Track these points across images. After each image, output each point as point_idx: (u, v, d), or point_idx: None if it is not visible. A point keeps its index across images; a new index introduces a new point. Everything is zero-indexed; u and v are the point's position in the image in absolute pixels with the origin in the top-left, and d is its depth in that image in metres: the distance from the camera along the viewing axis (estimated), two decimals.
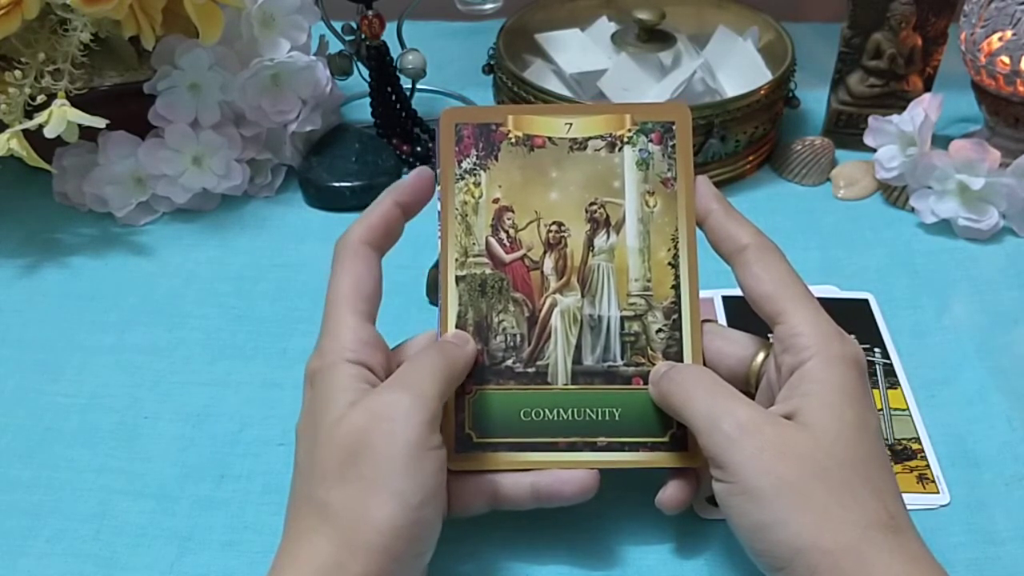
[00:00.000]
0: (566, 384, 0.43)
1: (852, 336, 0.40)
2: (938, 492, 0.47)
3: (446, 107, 0.46)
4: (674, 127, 0.45)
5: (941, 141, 0.65)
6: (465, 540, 0.44)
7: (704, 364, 0.43)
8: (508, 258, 0.44)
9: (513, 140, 0.45)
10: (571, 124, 0.45)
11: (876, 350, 0.55)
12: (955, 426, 0.51)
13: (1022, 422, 0.51)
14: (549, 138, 0.45)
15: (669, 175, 0.45)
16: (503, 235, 0.44)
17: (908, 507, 0.38)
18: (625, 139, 0.45)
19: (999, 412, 0.51)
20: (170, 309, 0.59)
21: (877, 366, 0.54)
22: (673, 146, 0.45)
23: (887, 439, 0.50)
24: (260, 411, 0.52)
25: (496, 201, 0.45)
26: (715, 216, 0.43)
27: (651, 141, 0.45)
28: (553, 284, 0.44)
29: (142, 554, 0.45)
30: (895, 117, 0.65)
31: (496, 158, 0.45)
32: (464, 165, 0.45)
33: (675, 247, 0.44)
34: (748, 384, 0.43)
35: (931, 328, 0.57)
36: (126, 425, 0.51)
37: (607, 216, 0.45)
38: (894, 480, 0.38)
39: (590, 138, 0.45)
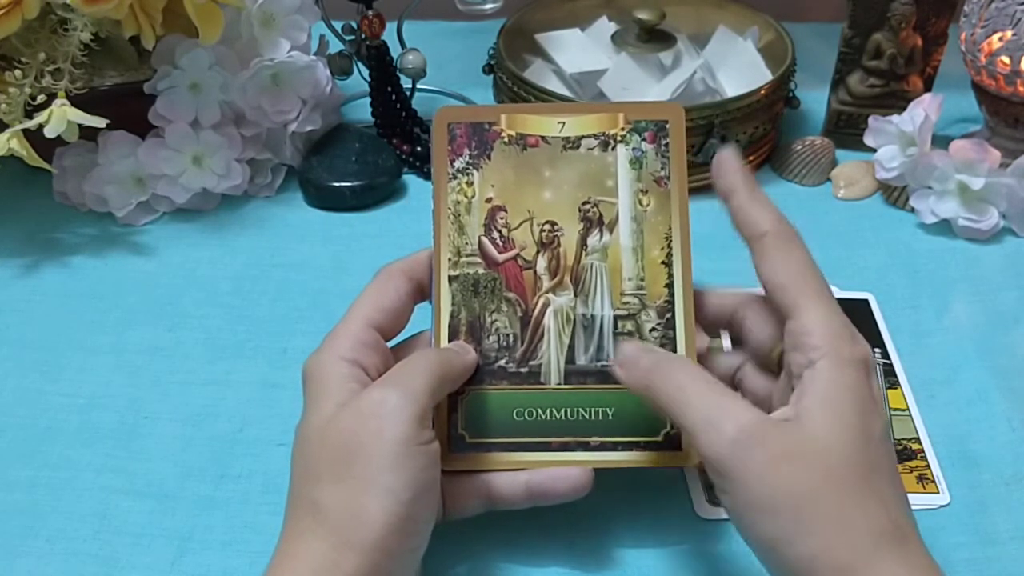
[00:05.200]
0: (559, 384, 0.43)
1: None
2: (938, 492, 0.47)
3: (441, 106, 0.46)
4: (667, 126, 0.45)
5: (941, 141, 0.65)
6: (462, 539, 0.44)
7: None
8: (501, 258, 0.44)
9: (506, 139, 0.45)
10: (564, 123, 0.45)
11: (876, 350, 0.55)
12: (955, 426, 0.51)
13: (1022, 422, 0.51)
14: (542, 137, 0.45)
15: (662, 174, 0.45)
16: (496, 235, 0.44)
17: None
18: (618, 138, 0.45)
19: (999, 412, 0.51)
20: (170, 309, 0.59)
21: (877, 366, 0.54)
22: (667, 145, 0.45)
23: None
24: (260, 411, 0.52)
25: (489, 200, 0.45)
26: (738, 197, 0.41)
27: (644, 140, 0.45)
28: (546, 284, 0.44)
29: (142, 554, 0.45)
30: (895, 117, 0.65)
31: (489, 157, 0.45)
32: (457, 164, 0.45)
33: (668, 246, 0.44)
34: (771, 364, 0.42)
35: (931, 328, 0.57)
36: (126, 425, 0.51)
37: (600, 215, 0.44)
38: (900, 484, 0.37)
39: (583, 137, 0.45)
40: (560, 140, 0.45)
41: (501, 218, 0.44)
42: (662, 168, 0.45)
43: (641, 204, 0.44)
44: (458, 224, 0.44)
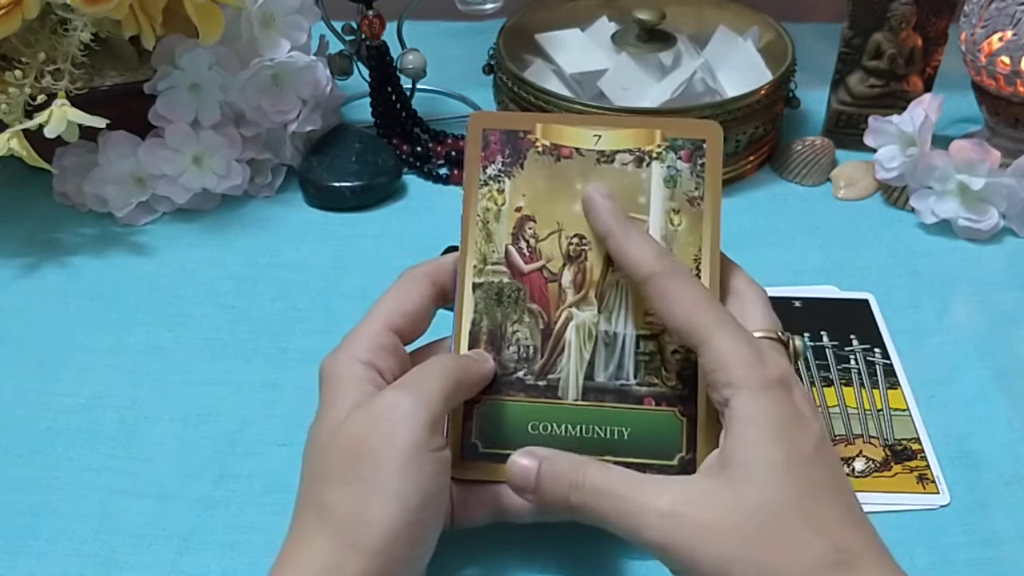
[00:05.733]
0: (576, 400, 0.42)
1: (774, 345, 0.39)
2: (938, 492, 0.47)
3: (478, 111, 0.46)
4: (704, 145, 0.44)
5: (941, 141, 0.65)
6: (465, 544, 0.44)
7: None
8: (527, 268, 0.44)
9: (540, 149, 0.44)
10: (600, 136, 0.44)
11: (876, 350, 0.55)
12: (955, 426, 0.51)
13: (1022, 422, 0.51)
14: (577, 149, 0.44)
15: (696, 194, 0.43)
16: (523, 244, 0.44)
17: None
18: (654, 155, 0.44)
19: (999, 412, 0.51)
20: (170, 309, 0.59)
21: (877, 366, 0.54)
22: (702, 165, 0.44)
23: (887, 439, 0.50)
24: (260, 411, 0.52)
25: (519, 210, 0.44)
26: (614, 240, 0.41)
27: (680, 158, 0.44)
28: (570, 297, 0.43)
29: (142, 554, 0.45)
30: (895, 117, 0.65)
31: (522, 166, 0.44)
32: (489, 171, 0.44)
33: (697, 268, 0.43)
34: None
35: (931, 328, 0.57)
36: (126, 425, 0.51)
37: None
38: (843, 495, 0.36)
39: (618, 151, 0.44)
40: (595, 153, 0.44)
41: (529, 228, 0.44)
42: (696, 188, 0.44)
43: (672, 223, 0.43)
44: (486, 231, 0.44)
